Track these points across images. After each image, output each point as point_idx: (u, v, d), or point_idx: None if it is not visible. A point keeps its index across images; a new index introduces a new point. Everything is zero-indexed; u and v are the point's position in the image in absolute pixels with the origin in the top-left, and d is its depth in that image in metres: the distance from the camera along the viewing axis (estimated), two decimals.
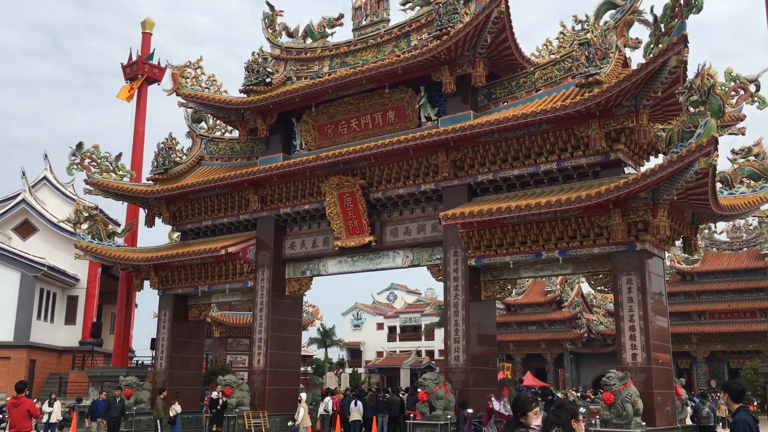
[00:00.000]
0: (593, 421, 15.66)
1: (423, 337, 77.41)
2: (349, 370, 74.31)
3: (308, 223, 23.09)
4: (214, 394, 19.44)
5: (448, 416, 17.38)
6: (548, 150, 18.18)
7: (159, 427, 19.30)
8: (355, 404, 20.75)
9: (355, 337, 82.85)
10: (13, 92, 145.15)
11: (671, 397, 16.87)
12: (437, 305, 72.23)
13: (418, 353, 75.35)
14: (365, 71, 20.53)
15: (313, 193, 22.27)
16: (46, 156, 34.43)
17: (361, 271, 22.30)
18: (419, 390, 17.85)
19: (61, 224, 30.53)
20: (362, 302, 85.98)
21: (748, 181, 18.32)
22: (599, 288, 18.02)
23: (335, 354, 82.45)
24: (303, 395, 18.22)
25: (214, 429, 19.24)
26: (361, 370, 75.52)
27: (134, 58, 28.78)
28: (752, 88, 17.97)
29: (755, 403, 32.47)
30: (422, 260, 20.81)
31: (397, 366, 72.68)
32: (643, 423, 14.84)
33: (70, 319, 31.79)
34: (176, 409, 18.34)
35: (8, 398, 13.95)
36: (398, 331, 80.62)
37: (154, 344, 32.52)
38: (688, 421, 18.00)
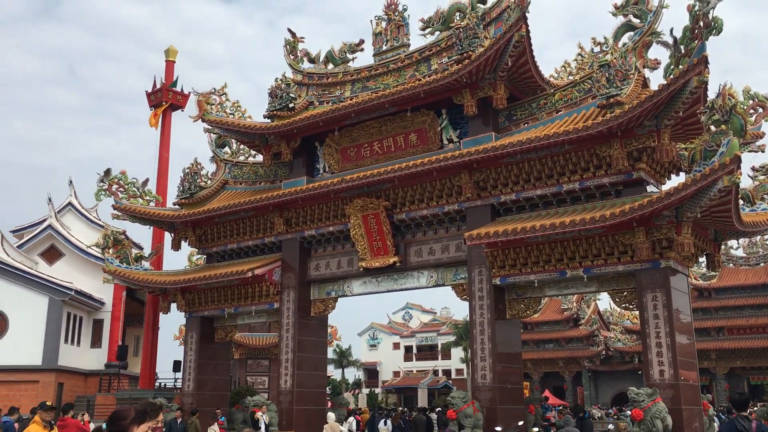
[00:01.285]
0: None
1: (440, 357, 77.36)
2: (366, 390, 74.29)
3: (332, 244, 23.46)
4: (258, 415, 19.75)
5: None
6: (570, 170, 18.51)
7: None
8: (385, 423, 20.98)
9: (371, 357, 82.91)
10: (31, 119, 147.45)
11: (699, 413, 17.00)
12: (454, 324, 72.32)
13: (435, 372, 75.26)
14: (388, 95, 20.99)
15: (338, 215, 22.66)
16: (71, 182, 35.13)
17: (385, 292, 22.62)
18: (448, 408, 18.07)
19: (90, 249, 31.08)
20: (378, 322, 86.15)
21: None
22: (624, 305, 18.23)
23: (352, 374, 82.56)
24: (331, 414, 18.48)
25: None
26: (378, 390, 75.47)
27: (158, 86, 29.43)
28: None
29: None
30: (447, 280, 21.10)
31: (415, 386, 72.60)
32: None
33: (95, 342, 32.23)
34: (215, 429, 18.65)
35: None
36: (414, 350, 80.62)
37: (177, 366, 32.95)
38: None
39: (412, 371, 77.72)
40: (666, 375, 16.29)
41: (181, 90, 29.84)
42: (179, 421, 18.19)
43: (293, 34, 25.76)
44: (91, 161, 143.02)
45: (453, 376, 74.71)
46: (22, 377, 28.29)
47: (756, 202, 18.29)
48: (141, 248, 31.58)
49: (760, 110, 18.18)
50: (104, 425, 3.44)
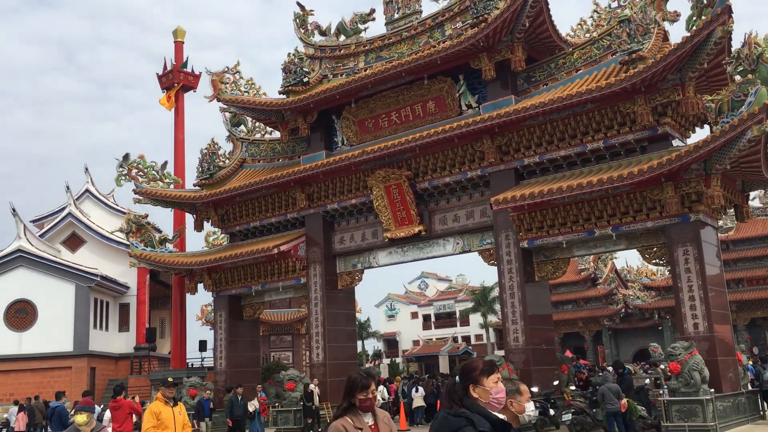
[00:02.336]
0: (661, 390, 15.92)
1: (458, 323, 77.77)
2: (386, 361, 74.94)
3: (356, 217, 23.51)
4: (311, 387, 20.14)
5: None
6: (594, 129, 18.41)
7: None
8: (416, 390, 21.20)
9: (390, 328, 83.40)
10: (33, 110, 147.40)
11: (733, 364, 17.10)
12: (471, 291, 72.62)
13: (455, 339, 75.73)
14: (404, 64, 20.85)
15: (360, 188, 22.68)
16: (86, 169, 35.23)
17: (411, 261, 22.74)
18: None
19: (111, 235, 31.28)
20: (395, 293, 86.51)
21: None
22: (654, 261, 18.23)
23: (371, 346, 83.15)
24: (240, 390, 18.86)
25: (308, 422, 20.08)
26: (398, 360, 76.08)
27: (169, 68, 29.33)
28: None
29: None
30: (473, 246, 21.16)
31: (435, 353, 73.12)
32: (711, 390, 15.11)
33: (123, 326, 32.60)
34: (255, 404, 18.93)
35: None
36: (433, 318, 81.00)
37: (202, 346, 33.34)
38: (750, 387, 18.20)
39: (431, 339, 78.24)
40: (700, 328, 16.36)
41: (192, 70, 29.73)
42: (240, 398, 18.45)
43: (302, 8, 25.53)
44: (97, 148, 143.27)
45: (472, 342, 75.17)
46: (55, 364, 28.74)
47: None
48: (160, 231, 31.73)
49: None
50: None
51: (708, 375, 15.33)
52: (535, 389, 18.05)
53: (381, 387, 23.84)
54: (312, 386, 20.43)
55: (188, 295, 28.64)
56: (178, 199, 25.53)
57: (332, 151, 23.88)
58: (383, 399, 23.18)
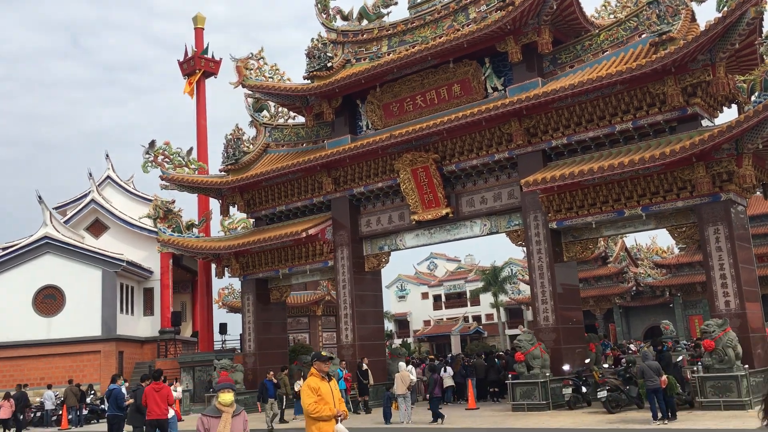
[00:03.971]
0: (695, 367, 16.25)
1: (469, 303, 78.29)
2: (398, 341, 75.59)
3: (382, 200, 23.79)
4: (365, 365, 20.67)
5: (546, 374, 18.13)
6: (623, 110, 18.59)
7: (285, 401, 20.51)
8: (445, 370, 21.56)
9: (400, 309, 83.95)
10: (38, 94, 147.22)
11: (763, 340, 17.42)
12: (481, 271, 73.05)
13: (465, 319, 76.32)
14: (431, 48, 21.00)
15: (386, 171, 22.92)
16: (107, 156, 35.49)
17: (439, 243, 23.07)
18: (516, 351, 18.60)
19: (133, 220, 31.61)
20: (405, 273, 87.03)
21: None
22: (683, 240, 18.50)
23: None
24: (402, 364, 19.07)
25: (364, 399, 20.77)
26: (410, 340, 76.70)
27: (190, 54, 29.46)
28: None
29: None
30: (501, 227, 21.43)
31: (446, 333, 73.72)
32: (746, 366, 15.43)
33: (147, 310, 33.03)
34: (300, 383, 19.34)
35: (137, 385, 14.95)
36: (443, 299, 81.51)
37: (223, 329, 33.78)
38: None
39: (442, 319, 78.82)
40: (732, 305, 16.66)
41: (212, 56, 29.85)
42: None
43: None
44: (103, 133, 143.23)
45: (483, 321, 75.77)
46: (85, 348, 29.19)
47: None
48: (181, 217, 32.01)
49: None
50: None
51: (741, 352, 15.64)
52: (566, 367, 18.43)
53: (410, 366, 24.18)
54: (365, 364, 20.87)
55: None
56: (204, 184, 25.81)
57: (357, 135, 24.11)
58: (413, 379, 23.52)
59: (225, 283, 39.42)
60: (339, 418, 7.08)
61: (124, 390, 15.54)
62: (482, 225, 21.81)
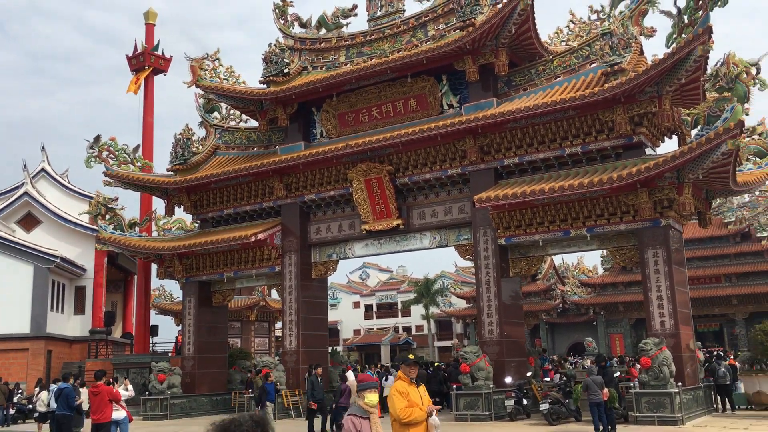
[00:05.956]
0: (632, 384, 17.07)
1: (400, 314, 78.96)
2: (328, 349, 75.41)
3: (333, 208, 23.93)
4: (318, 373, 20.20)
5: (490, 386, 18.64)
6: (573, 134, 19.39)
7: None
8: (386, 380, 21.79)
9: (331, 317, 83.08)
10: None
11: (692, 359, 18.43)
12: (414, 282, 73.86)
13: (396, 330, 76.93)
14: (390, 61, 21.37)
15: (339, 180, 23.10)
16: (43, 148, 34.21)
17: (388, 253, 23.34)
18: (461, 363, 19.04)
19: (78, 217, 30.64)
20: (337, 282, 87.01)
21: (754, 158, 19.89)
22: (624, 262, 19.37)
23: None
24: (350, 374, 19.15)
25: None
26: (339, 348, 76.72)
27: (140, 50, 28.92)
28: (753, 71, 19.46)
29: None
30: (450, 241, 21.91)
31: (376, 343, 74.11)
32: (679, 383, 16.32)
33: (78, 309, 31.98)
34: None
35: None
36: (374, 308, 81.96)
37: (153, 331, 33.11)
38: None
39: (372, 329, 79.22)
40: (667, 325, 17.58)
41: (163, 53, 29.38)
42: (320, 379, 18.27)
43: None
44: (28, 123, 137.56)
45: (413, 332, 76.56)
46: (12, 346, 28.03)
47: (742, 163, 19.56)
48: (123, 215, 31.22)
49: (745, 75, 19.41)
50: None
51: (674, 370, 16.53)
52: (508, 379, 19.01)
53: (349, 373, 24.29)
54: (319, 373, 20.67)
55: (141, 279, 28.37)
56: (151, 183, 25.35)
57: (310, 143, 24.21)
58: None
59: (156, 284, 38.64)
60: (434, 412, 6.70)
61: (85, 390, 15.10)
62: (432, 238, 22.25)
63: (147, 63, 28.50)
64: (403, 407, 6.65)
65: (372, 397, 6.42)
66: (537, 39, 20.79)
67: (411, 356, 6.99)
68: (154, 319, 46.00)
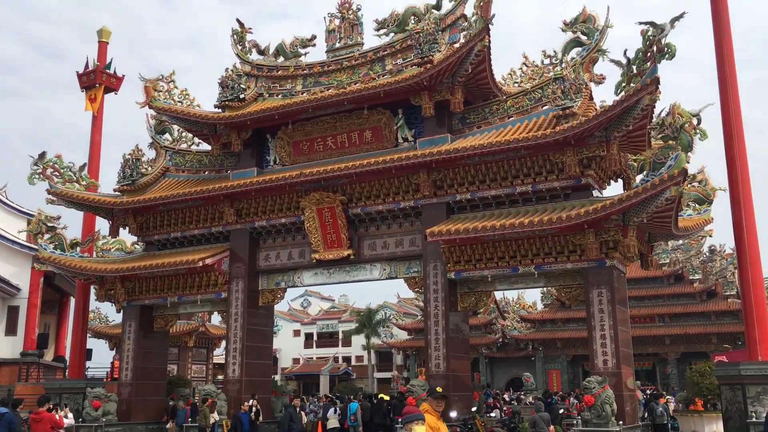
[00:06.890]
0: (575, 421, 17.39)
1: (340, 344, 78.49)
2: (271, 378, 74.11)
3: (283, 235, 23.80)
4: (248, 404, 19.72)
5: None
6: (524, 173, 19.88)
7: None
8: (334, 411, 21.65)
9: None
10: None
11: (632, 398, 18.90)
12: (356, 312, 73.66)
13: (335, 359, 76.37)
14: (348, 93, 21.59)
15: (291, 207, 23.03)
16: None
17: (337, 283, 23.29)
18: (408, 396, 19.04)
19: (16, 234, 29.60)
20: (278, 309, 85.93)
21: (694, 205, 20.77)
22: (570, 300, 19.82)
23: None
24: (297, 401, 18.96)
25: None
26: (277, 377, 75.60)
27: (91, 67, 28.42)
28: (695, 121, 20.42)
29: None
30: (399, 273, 22.04)
31: (315, 372, 73.38)
32: (620, 422, 16.70)
33: (10, 330, 30.72)
34: (214, 417, 18.66)
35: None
36: (315, 337, 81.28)
37: (88, 355, 32.02)
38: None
39: (312, 358, 78.43)
40: (609, 364, 18.01)
41: (115, 72, 28.93)
42: (298, 410, 17.61)
43: (241, 24, 25.74)
44: None
45: (353, 363, 76.13)
46: None
47: (683, 209, 20.39)
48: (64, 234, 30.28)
49: (688, 125, 20.34)
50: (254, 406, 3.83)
51: (616, 408, 16.91)
52: (454, 414, 19.08)
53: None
54: (248, 403, 20.32)
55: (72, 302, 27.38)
56: (96, 203, 24.73)
57: (263, 169, 24.11)
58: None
59: (92, 306, 37.50)
60: None
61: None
62: (382, 269, 22.33)
63: (98, 81, 27.99)
64: None
65: (419, 429, 6.14)
66: (492, 79, 21.35)
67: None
68: (89, 342, 44.64)
